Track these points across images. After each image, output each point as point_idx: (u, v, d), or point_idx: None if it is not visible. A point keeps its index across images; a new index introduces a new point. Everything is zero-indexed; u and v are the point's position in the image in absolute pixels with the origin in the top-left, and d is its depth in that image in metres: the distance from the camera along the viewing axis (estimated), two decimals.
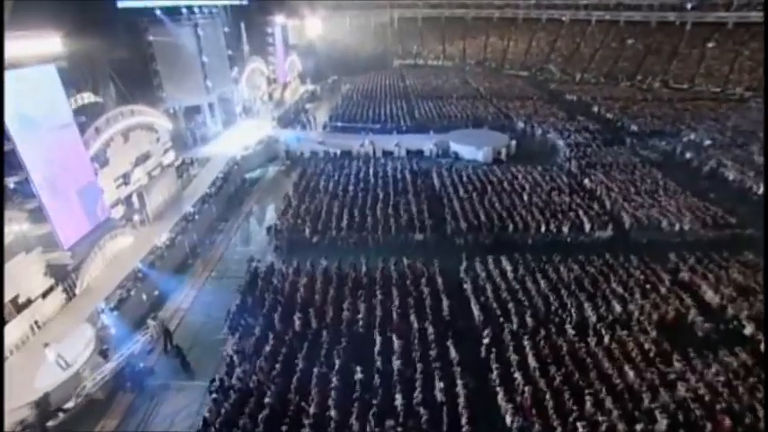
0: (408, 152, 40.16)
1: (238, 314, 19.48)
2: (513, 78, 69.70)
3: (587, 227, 25.47)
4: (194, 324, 20.38)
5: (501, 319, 18.28)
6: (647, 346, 16.73)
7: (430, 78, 68.32)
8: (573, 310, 18.48)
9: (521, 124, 45.06)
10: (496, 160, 37.51)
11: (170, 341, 18.35)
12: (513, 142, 39.35)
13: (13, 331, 17.88)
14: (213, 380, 16.12)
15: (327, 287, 20.69)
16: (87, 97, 27.68)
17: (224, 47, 40.58)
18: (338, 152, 39.36)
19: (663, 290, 19.73)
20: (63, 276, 20.40)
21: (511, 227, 25.67)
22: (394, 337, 17.33)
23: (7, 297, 17.89)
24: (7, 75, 18.17)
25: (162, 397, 16.78)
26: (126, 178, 27.02)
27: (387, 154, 40.26)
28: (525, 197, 28.91)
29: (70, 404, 14.80)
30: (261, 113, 49.65)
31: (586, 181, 31.20)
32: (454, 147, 39.52)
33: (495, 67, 77.13)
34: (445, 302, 19.29)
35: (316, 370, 16.13)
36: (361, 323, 18.57)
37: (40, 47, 19.20)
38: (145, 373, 17.11)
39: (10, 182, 18.40)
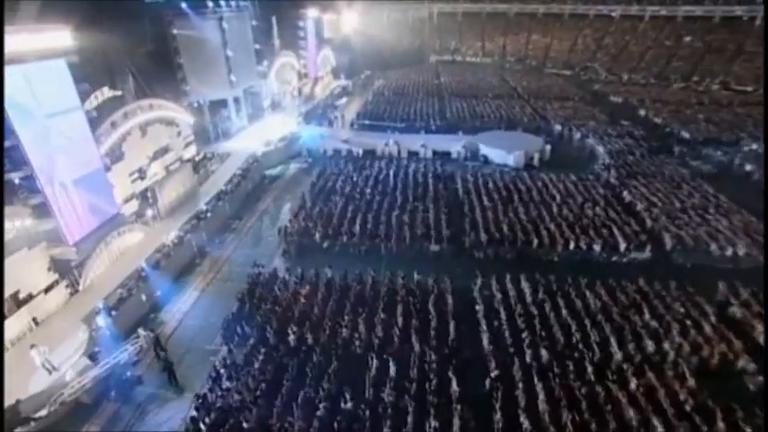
0: (435, 153, 38.20)
1: (234, 323, 18.57)
2: (554, 78, 65.70)
3: (622, 246, 22.79)
4: (191, 329, 19.66)
5: (512, 350, 16.31)
6: (682, 396, 14.30)
7: (466, 75, 65.56)
8: (596, 345, 16.25)
9: (558, 127, 41.94)
10: (528, 166, 34.90)
11: (160, 350, 17.60)
12: (548, 147, 36.52)
13: (12, 327, 17.76)
14: (197, 395, 15.23)
15: (328, 300, 19.38)
16: (108, 92, 27.69)
17: (251, 41, 40.03)
18: (360, 151, 37.96)
19: (707, 328, 17.00)
20: (67, 271, 20.21)
21: (536, 242, 23.39)
22: (391, 362, 15.81)
23: (8, 292, 17.74)
24: (19, 68, 18.01)
25: (148, 407, 16.10)
26: (142, 173, 26.84)
27: (412, 155, 38.48)
28: (555, 209, 26.42)
29: (43, 412, 14.25)
30: (289, 109, 49.00)
31: (625, 193, 28.20)
32: (484, 149, 37.16)
33: (536, 66, 73.10)
34: (452, 326, 17.53)
35: (302, 393, 14.88)
36: (358, 343, 17.16)
37: (51, 41, 18.88)
38: (131, 383, 16.47)
39: (15, 177, 18.23)
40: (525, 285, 19.83)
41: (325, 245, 24.69)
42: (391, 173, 32.49)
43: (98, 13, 24.33)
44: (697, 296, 18.91)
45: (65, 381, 15.70)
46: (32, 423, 13.84)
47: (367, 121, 45.64)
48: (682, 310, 17.97)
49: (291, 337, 17.62)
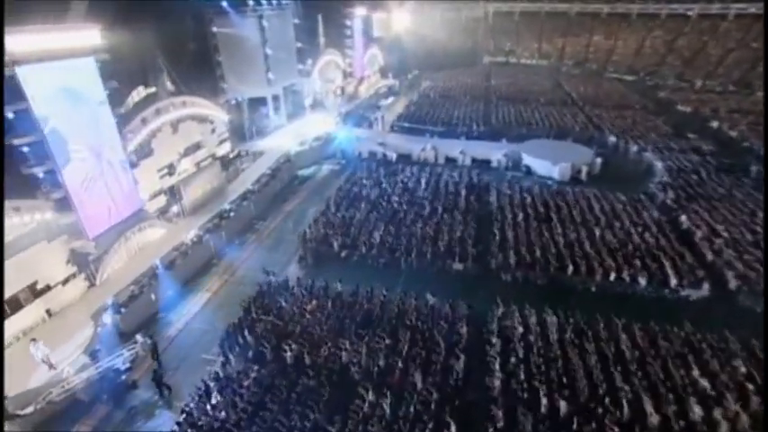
0: (474, 161, 36.03)
1: (235, 333, 17.87)
2: (615, 83, 60.39)
3: (673, 281, 19.74)
4: (195, 333, 19.22)
5: (525, 396, 14.25)
6: None
7: (518, 78, 62.05)
8: (626, 402, 13.82)
9: (612, 138, 38.11)
10: (574, 180, 31.84)
11: (156, 359, 17.25)
12: (599, 160, 33.14)
13: (26, 318, 18.14)
14: (183, 409, 14.59)
15: (333, 318, 18.15)
16: (143, 91, 28.24)
17: (292, 39, 39.73)
18: (394, 156, 36.52)
19: None
20: (86, 265, 20.49)
21: (571, 268, 20.84)
22: (387, 396, 14.33)
23: (25, 283, 18.15)
24: (55, 65, 18.34)
25: (139, 413, 15.72)
26: (171, 169, 27.02)
27: (449, 161, 36.55)
28: (597, 231, 23.58)
29: (29, 410, 14.16)
30: (331, 108, 48.46)
31: (683, 218, 24.69)
32: (527, 159, 34.44)
33: (597, 70, 67.80)
34: (461, 361, 15.71)
35: (286, 421, 13.77)
36: (356, 369, 15.83)
37: (80, 39, 19.10)
38: (125, 387, 16.17)
39: (39, 171, 18.52)
40: (552, 319, 17.52)
41: (343, 254, 23.55)
42: (423, 180, 30.80)
43: (139, 12, 24.59)
44: (762, 351, 15.76)
45: (62, 377, 15.69)
46: (17, 420, 13.76)
47: (407, 124, 44.07)
48: (743, 369, 14.97)
49: (288, 355, 16.61)
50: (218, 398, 14.89)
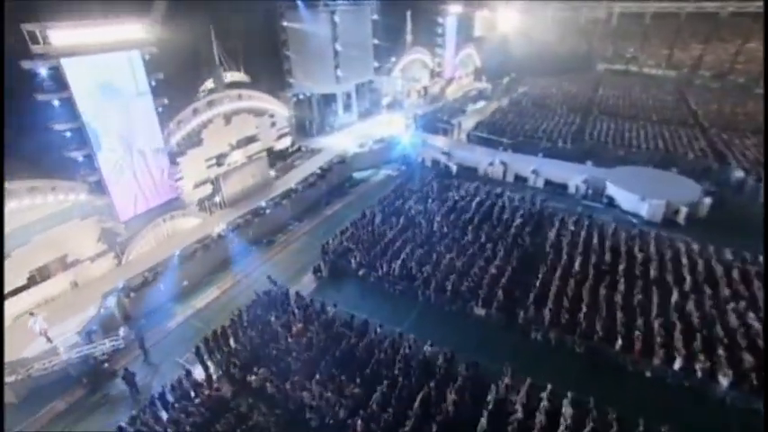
0: (547, 184, 31.20)
1: (217, 342, 17.10)
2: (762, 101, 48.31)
3: None
4: (191, 331, 18.92)
5: None
6: None
7: (632, 90, 53.19)
8: None
9: (739, 173, 29.95)
10: (668, 222, 25.56)
11: (143, 350, 17.22)
12: (708, 200, 26.12)
13: (54, 287, 19.53)
14: (132, 415, 14.10)
15: (315, 348, 16.34)
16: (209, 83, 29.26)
17: (369, 36, 38.25)
18: (454, 168, 33.25)
19: None
20: (115, 245, 21.55)
21: (620, 342, 16.19)
22: None
23: (56, 255, 19.55)
24: (98, 58, 19.32)
25: (109, 402, 15.77)
26: (220, 160, 27.54)
27: (519, 180, 32.22)
28: (675, 296, 18.16)
29: (11, 379, 14.85)
30: (408, 108, 46.34)
31: None
32: (611, 189, 28.67)
33: (744, 84, 55.12)
34: None
35: None
36: (312, 414, 13.86)
37: (124, 34, 19.86)
38: (106, 374, 16.32)
39: (78, 155, 19.66)
40: (567, 409, 13.54)
41: (360, 273, 21.61)
42: (476, 201, 27.23)
43: (209, 4, 25.18)
44: None
45: (54, 352, 16.36)
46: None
47: (484, 134, 40.11)
48: None
49: (253, 379, 15.28)
50: (170, 411, 14.15)
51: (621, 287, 18.89)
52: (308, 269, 22.63)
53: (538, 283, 19.42)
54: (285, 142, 33.32)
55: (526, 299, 18.58)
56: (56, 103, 18.37)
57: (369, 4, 36.96)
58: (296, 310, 18.24)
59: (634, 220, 26.39)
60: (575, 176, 30.30)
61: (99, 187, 20.46)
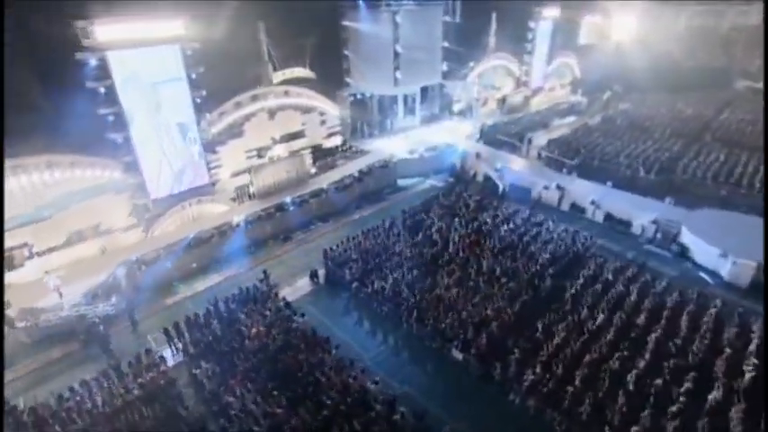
0: (608, 218, 26.63)
1: (185, 327, 17.57)
2: None
3: None
4: (181, 311, 19.63)
5: None
6: None
7: None
8: None
9: None
10: (758, 289, 19.85)
11: (132, 323, 18.52)
12: None
13: (85, 249, 22.06)
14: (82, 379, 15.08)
15: (263, 355, 15.85)
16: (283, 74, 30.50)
17: (438, 38, 36.20)
18: (501, 186, 30.08)
19: None
20: (143, 220, 23.61)
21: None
22: None
23: (90, 224, 22.06)
24: (140, 51, 21.19)
25: (90, 361, 17.15)
26: (261, 152, 28.55)
27: (577, 210, 28.06)
28: (719, 390, 13.87)
29: (20, 324, 17.20)
30: (479, 117, 43.43)
31: None
32: (687, 236, 23.34)
33: None
34: None
35: None
36: (225, 422, 13.38)
37: (166, 30, 21.52)
38: (99, 335, 17.68)
39: (118, 137, 21.79)
40: None
41: (353, 286, 20.59)
42: (507, 227, 24.19)
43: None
44: None
45: (61, 306, 18.42)
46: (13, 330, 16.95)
47: (553, 153, 35.70)
48: None
49: (198, 372, 15.38)
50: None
51: (641, 363, 15.01)
52: (306, 273, 22.25)
53: (533, 339, 16.43)
54: (335, 141, 33.43)
55: (513, 352, 15.81)
56: (101, 90, 20.57)
57: (439, 5, 35.12)
58: (267, 312, 17.95)
59: (709, 279, 21.15)
60: (643, 215, 25.31)
61: (133, 167, 22.52)
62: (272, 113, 28.22)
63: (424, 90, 40.06)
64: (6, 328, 17.31)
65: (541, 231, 23.84)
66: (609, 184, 29.16)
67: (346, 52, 33.28)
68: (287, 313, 17.85)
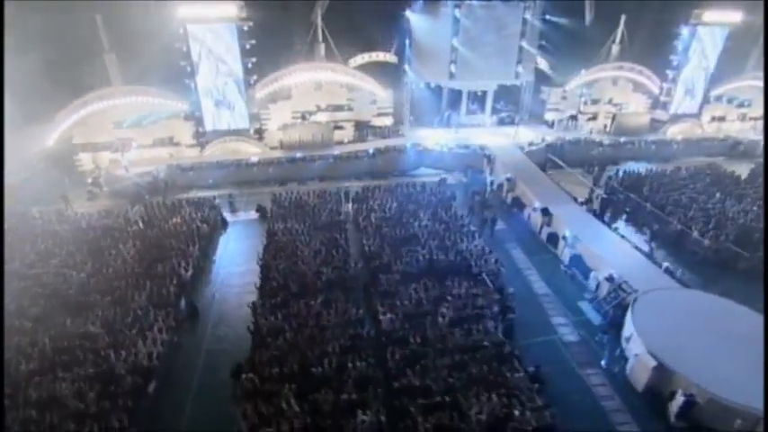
0: (574, 261, 21.75)
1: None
2: None
3: None
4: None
5: None
6: None
7: None
8: None
9: None
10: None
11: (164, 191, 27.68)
12: None
13: (161, 151, 32.24)
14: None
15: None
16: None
17: (515, 35, 33.25)
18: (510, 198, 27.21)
19: None
20: (198, 142, 32.56)
21: None
22: None
23: (165, 135, 32.00)
24: (209, 26, 28.87)
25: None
26: (305, 115, 34.01)
27: (551, 241, 23.69)
28: None
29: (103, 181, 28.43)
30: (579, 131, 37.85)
31: None
32: (630, 317, 17.54)
33: None
34: None
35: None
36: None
37: (225, 11, 28.75)
38: (141, 195, 27.28)
39: (191, 83, 30.37)
40: None
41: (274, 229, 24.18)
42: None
43: None
44: None
45: (125, 176, 28.72)
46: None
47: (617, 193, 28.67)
48: None
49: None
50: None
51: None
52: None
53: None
54: (385, 121, 35.97)
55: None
56: (184, 48, 29.39)
57: (517, 4, 32.06)
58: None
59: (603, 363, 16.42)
60: (604, 267, 19.97)
61: (197, 105, 31.24)
62: (318, 85, 33.04)
63: (506, 90, 37.50)
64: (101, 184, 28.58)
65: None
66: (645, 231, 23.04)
67: (407, 41, 34.26)
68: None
